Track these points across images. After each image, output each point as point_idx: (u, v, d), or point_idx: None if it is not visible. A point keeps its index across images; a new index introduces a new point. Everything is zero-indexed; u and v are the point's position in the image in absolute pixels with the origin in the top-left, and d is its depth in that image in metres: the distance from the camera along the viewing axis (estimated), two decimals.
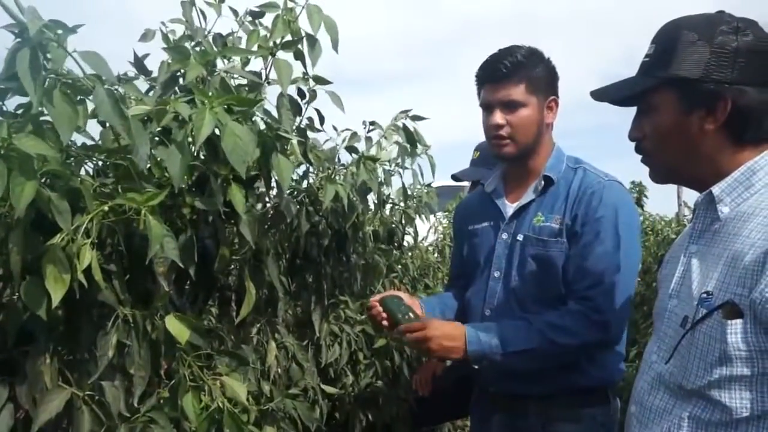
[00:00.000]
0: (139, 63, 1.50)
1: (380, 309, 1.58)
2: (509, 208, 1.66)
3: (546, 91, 1.60)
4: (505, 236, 1.64)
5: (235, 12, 1.55)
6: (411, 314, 1.54)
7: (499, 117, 1.57)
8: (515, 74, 1.56)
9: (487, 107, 1.61)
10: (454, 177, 2.40)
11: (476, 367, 1.50)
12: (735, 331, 0.91)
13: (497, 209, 1.69)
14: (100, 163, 1.19)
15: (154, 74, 1.47)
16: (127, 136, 1.00)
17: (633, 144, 1.14)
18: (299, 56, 1.48)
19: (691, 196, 1.10)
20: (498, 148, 1.62)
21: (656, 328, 1.12)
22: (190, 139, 1.15)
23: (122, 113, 0.99)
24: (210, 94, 1.20)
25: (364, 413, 2.09)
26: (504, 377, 1.62)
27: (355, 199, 1.80)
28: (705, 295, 0.96)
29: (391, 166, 2.10)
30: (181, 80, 1.35)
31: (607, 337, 1.51)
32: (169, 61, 1.32)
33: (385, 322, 1.57)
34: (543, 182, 1.62)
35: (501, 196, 1.70)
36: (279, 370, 1.71)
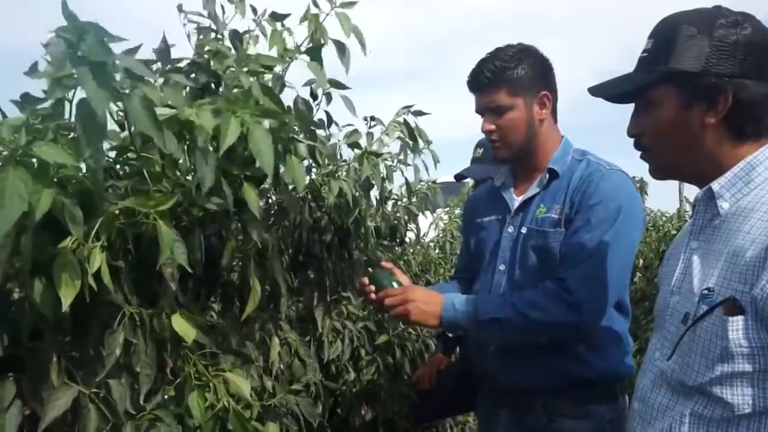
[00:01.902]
0: (163, 52, 1.45)
1: (370, 286, 1.60)
2: (515, 201, 1.68)
3: (534, 89, 1.61)
4: (510, 229, 1.66)
5: (254, 10, 1.54)
6: (395, 284, 1.58)
7: (488, 123, 1.63)
8: (496, 80, 1.59)
9: (480, 114, 1.66)
10: (458, 176, 2.39)
11: (451, 335, 1.52)
12: (736, 327, 0.91)
13: (504, 203, 1.70)
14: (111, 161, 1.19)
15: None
16: (163, 147, 1.01)
17: (633, 141, 1.14)
18: (316, 57, 1.49)
19: (692, 191, 1.11)
20: (494, 151, 1.68)
21: (658, 325, 1.13)
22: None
23: (159, 125, 0.98)
24: (235, 98, 1.20)
25: (366, 409, 2.09)
26: (509, 373, 1.63)
27: (358, 194, 1.80)
28: (706, 292, 0.97)
29: (393, 161, 2.10)
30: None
31: (577, 319, 1.50)
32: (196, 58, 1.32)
33: (373, 295, 1.59)
34: (548, 175, 1.63)
35: (509, 189, 1.72)
36: (281, 366, 1.71)
